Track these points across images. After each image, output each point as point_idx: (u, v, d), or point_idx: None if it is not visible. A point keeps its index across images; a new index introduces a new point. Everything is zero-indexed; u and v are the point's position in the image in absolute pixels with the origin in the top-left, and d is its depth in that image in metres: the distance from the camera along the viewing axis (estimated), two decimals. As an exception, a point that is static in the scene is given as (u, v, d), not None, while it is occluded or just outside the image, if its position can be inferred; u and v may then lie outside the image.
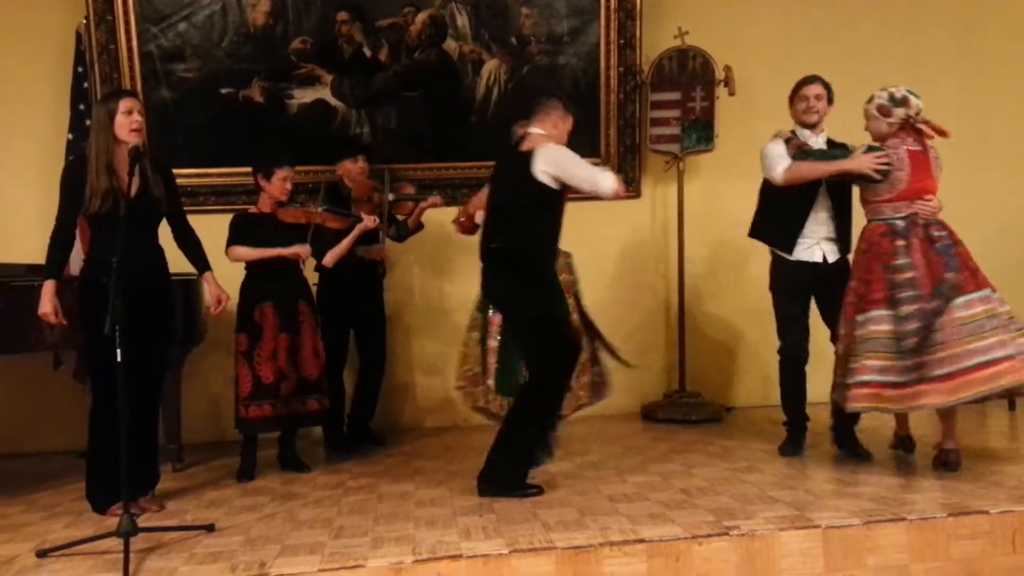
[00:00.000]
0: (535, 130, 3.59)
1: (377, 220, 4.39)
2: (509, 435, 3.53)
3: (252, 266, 4.11)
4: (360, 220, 4.32)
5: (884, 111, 3.78)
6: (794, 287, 4.02)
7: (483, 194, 3.97)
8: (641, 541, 2.91)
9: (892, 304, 3.61)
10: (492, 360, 4.03)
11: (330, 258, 4.31)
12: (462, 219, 4.25)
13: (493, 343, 3.99)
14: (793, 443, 4.12)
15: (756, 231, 4.20)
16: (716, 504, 3.31)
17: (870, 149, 3.76)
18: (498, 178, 3.73)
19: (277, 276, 4.10)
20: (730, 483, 3.64)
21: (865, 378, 3.61)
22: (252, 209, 4.21)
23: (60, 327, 3.43)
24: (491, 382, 4.05)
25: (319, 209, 4.20)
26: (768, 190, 4.06)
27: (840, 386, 3.75)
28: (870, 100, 3.84)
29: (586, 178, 3.46)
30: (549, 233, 3.56)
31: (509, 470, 3.52)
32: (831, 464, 3.90)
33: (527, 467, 3.56)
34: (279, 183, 4.11)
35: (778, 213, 4.01)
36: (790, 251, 4.00)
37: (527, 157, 3.48)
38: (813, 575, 2.95)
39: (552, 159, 3.45)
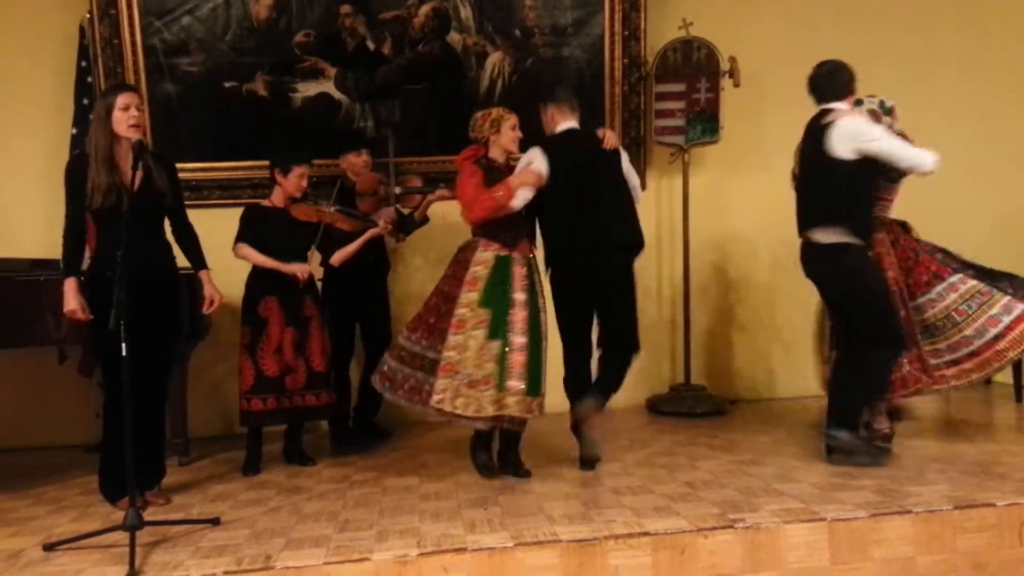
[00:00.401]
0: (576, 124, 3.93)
1: (389, 228, 4.39)
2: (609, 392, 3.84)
3: None
4: (372, 223, 4.32)
5: (876, 116, 3.85)
6: (881, 278, 3.84)
7: (525, 175, 3.81)
8: (646, 534, 2.91)
9: (945, 272, 3.89)
10: (520, 359, 3.64)
11: (337, 258, 4.31)
12: (499, 193, 3.73)
13: (521, 339, 3.67)
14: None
15: (832, 220, 3.71)
16: (721, 497, 3.31)
17: None
18: (599, 172, 3.87)
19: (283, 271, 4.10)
20: (735, 476, 3.63)
21: (953, 355, 3.81)
22: (264, 202, 4.21)
23: (70, 321, 3.43)
24: (516, 383, 3.61)
25: (331, 209, 4.19)
26: (830, 176, 3.69)
27: (919, 372, 3.84)
28: (858, 103, 3.87)
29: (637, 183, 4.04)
30: None
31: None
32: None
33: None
34: (296, 180, 4.11)
35: (853, 201, 3.72)
36: (869, 243, 3.79)
37: (617, 155, 3.91)
38: (819, 568, 2.95)
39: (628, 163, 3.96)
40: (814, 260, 3.82)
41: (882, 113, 3.88)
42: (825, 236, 3.73)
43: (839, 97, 3.77)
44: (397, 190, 4.61)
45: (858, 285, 3.72)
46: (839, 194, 3.69)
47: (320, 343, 4.16)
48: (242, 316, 4.09)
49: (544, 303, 3.86)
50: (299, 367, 4.07)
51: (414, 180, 4.77)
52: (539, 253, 3.96)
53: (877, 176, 3.80)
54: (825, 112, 3.76)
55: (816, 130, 3.75)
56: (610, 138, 3.93)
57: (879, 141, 3.63)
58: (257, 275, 4.11)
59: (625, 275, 3.91)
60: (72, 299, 3.34)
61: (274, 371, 4.01)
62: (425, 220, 4.74)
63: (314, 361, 4.12)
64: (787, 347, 5.39)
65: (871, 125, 3.72)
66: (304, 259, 4.17)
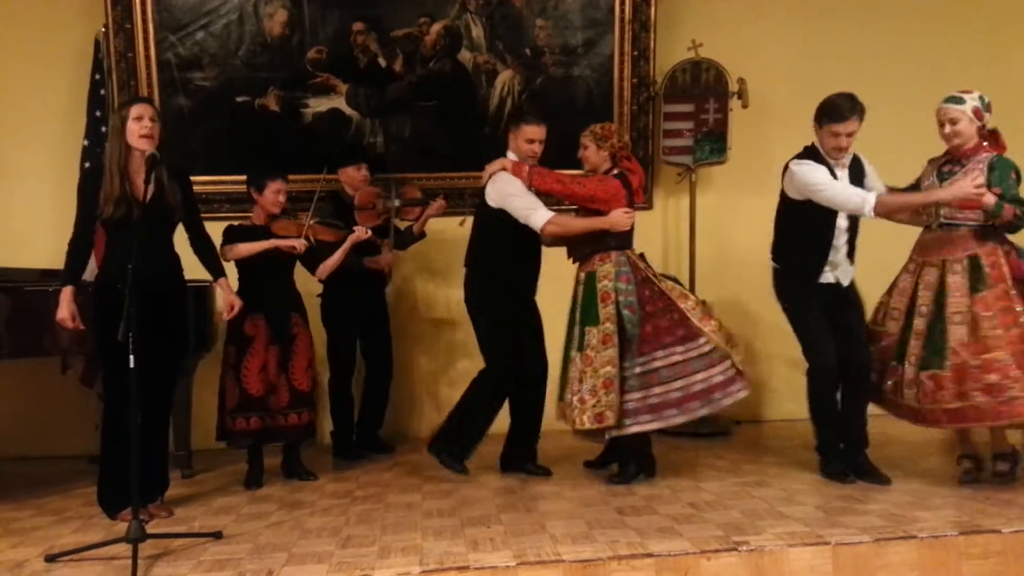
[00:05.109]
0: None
1: (369, 232, 4.36)
2: None
3: (245, 277, 4.10)
4: (351, 232, 4.30)
5: (979, 115, 3.64)
6: (817, 302, 3.85)
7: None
8: (649, 555, 2.90)
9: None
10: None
11: (323, 271, 4.27)
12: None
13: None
14: (839, 463, 3.89)
15: (781, 253, 3.97)
16: (725, 519, 3.29)
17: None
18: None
19: (270, 287, 4.07)
20: (739, 498, 3.62)
21: None
22: (246, 222, 4.20)
23: (76, 332, 3.45)
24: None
25: (312, 221, 4.19)
26: (780, 207, 3.94)
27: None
28: (958, 101, 3.64)
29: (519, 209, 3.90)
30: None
31: None
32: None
33: None
34: (272, 195, 4.09)
35: (789, 236, 3.90)
36: (814, 282, 3.85)
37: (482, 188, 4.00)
38: (822, 592, 2.93)
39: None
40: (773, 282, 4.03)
41: (983, 110, 3.64)
42: (774, 262, 3.99)
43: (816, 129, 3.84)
44: (396, 203, 4.63)
45: (784, 310, 3.95)
46: (780, 226, 3.94)
47: (304, 362, 4.11)
48: (228, 334, 4.05)
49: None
50: (281, 385, 4.05)
51: (414, 192, 4.77)
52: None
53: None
54: (805, 147, 3.86)
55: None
56: (487, 169, 4.00)
57: (819, 192, 3.67)
58: (243, 292, 4.05)
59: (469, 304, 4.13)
60: (65, 307, 3.37)
61: (259, 390, 3.98)
62: (422, 235, 4.76)
63: (296, 380, 4.08)
64: (793, 367, 5.35)
65: (816, 175, 3.68)
66: (289, 274, 4.17)
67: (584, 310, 3.88)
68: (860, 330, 3.89)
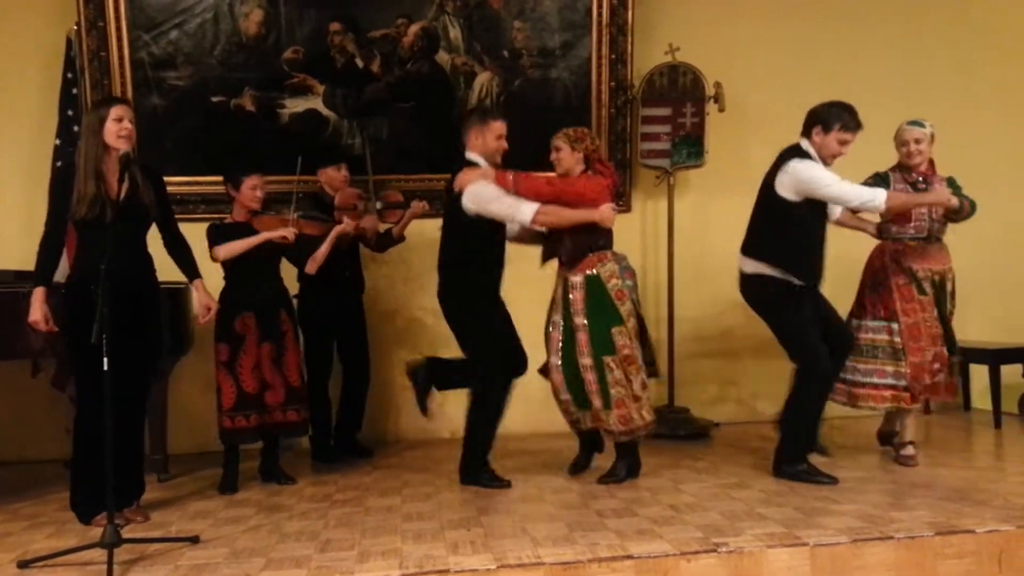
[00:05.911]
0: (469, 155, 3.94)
1: (354, 225, 4.39)
2: None
3: (232, 275, 4.08)
4: (337, 223, 4.32)
5: (933, 139, 4.12)
6: (810, 306, 3.88)
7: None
8: (629, 557, 2.90)
9: None
10: (559, 376, 3.95)
11: (312, 265, 4.26)
12: None
13: (556, 360, 3.93)
14: (810, 464, 3.94)
15: (779, 258, 3.86)
16: (705, 520, 3.31)
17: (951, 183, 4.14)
18: (445, 213, 4.06)
19: (257, 285, 4.07)
20: (719, 499, 3.63)
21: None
22: (227, 219, 4.18)
23: (48, 333, 3.39)
24: (568, 396, 3.95)
25: (294, 216, 4.17)
26: (767, 210, 3.88)
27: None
28: (922, 125, 4.09)
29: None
30: None
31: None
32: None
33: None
34: (248, 191, 4.08)
35: (806, 244, 3.85)
36: (811, 285, 3.88)
37: (457, 196, 3.82)
38: (801, 593, 2.95)
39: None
40: (742, 287, 4.05)
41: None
42: (748, 266, 3.96)
43: (805, 134, 3.86)
44: (378, 205, 4.62)
45: (773, 318, 3.96)
46: (771, 229, 3.87)
47: (296, 358, 4.15)
48: (217, 333, 4.03)
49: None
50: (277, 383, 4.05)
51: (395, 195, 4.77)
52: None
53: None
54: (792, 147, 3.86)
55: (775, 162, 3.87)
56: (459, 180, 3.83)
57: (828, 188, 3.72)
58: (231, 290, 4.06)
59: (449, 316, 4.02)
60: (37, 309, 3.32)
61: (253, 388, 3.98)
62: (402, 238, 4.75)
63: (291, 376, 4.10)
64: (771, 369, 5.41)
65: (821, 171, 3.74)
66: (276, 271, 4.18)
67: (598, 313, 3.85)
68: (836, 315, 4.07)
